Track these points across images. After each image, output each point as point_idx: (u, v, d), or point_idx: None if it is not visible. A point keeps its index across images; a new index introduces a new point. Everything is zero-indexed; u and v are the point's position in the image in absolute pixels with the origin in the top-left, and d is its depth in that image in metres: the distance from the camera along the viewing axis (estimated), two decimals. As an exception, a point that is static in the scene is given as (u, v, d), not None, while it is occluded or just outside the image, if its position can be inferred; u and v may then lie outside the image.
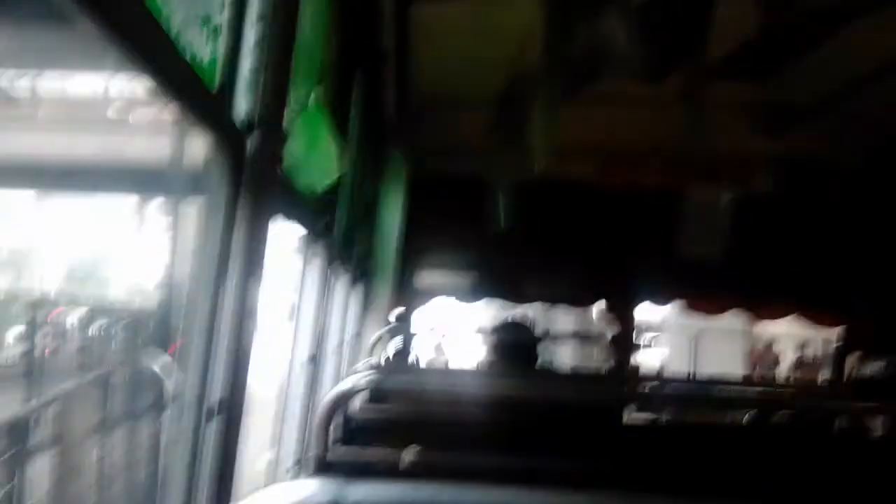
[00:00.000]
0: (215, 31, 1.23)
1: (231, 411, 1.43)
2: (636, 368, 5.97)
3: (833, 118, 4.73)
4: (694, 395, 2.80)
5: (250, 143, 1.33)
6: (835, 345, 5.82)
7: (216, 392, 1.38)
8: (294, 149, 1.92)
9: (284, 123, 1.59)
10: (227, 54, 1.28)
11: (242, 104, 1.33)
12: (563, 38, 2.80)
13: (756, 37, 3.79)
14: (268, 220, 1.49)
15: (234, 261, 1.37)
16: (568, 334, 12.66)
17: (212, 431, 1.38)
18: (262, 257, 1.50)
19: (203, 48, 1.17)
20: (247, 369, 1.53)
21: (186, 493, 1.36)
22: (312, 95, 2.02)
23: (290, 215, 2.08)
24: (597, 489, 0.76)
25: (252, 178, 1.34)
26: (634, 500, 0.76)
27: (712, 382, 3.74)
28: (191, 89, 1.11)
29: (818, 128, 4.84)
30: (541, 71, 3.02)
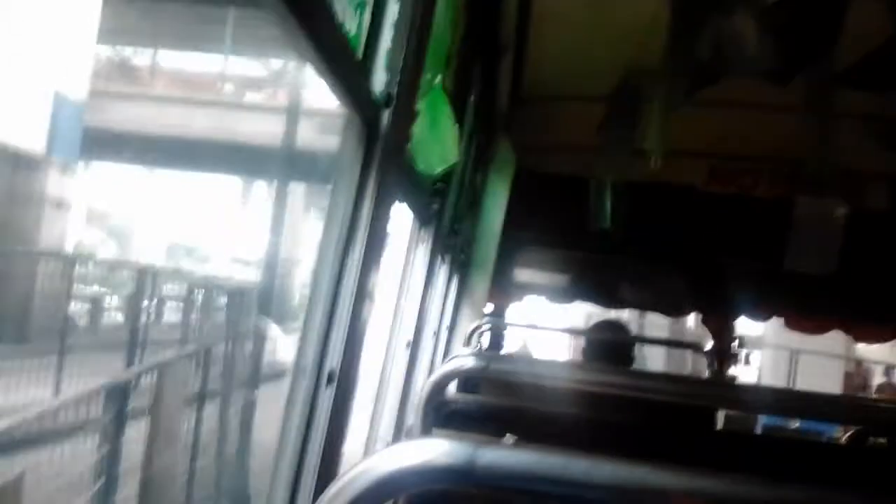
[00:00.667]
0: (360, 5, 1.26)
1: (345, 381, 1.46)
2: (732, 378, 5.85)
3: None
4: (790, 404, 2.72)
5: (385, 118, 1.36)
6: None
7: (333, 361, 1.42)
8: (417, 130, 1.95)
9: (415, 103, 1.61)
10: (370, 27, 1.31)
11: (381, 78, 1.36)
12: (687, 36, 2.76)
13: (884, 47, 3.66)
14: (393, 198, 1.52)
15: (359, 235, 1.41)
16: (662, 340, 12.49)
17: (326, 398, 1.42)
18: (386, 234, 1.53)
19: (349, 19, 1.20)
20: (363, 342, 1.57)
21: (299, 456, 1.40)
22: (438, 79, 2.04)
23: (407, 197, 2.11)
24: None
25: (384, 153, 1.37)
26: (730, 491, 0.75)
27: (810, 396, 3.64)
28: (338, 57, 1.14)
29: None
30: (662, 70, 2.98)
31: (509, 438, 2.17)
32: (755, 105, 4.44)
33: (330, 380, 1.39)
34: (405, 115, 1.46)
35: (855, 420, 4.01)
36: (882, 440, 4.87)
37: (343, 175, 1.36)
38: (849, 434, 5.19)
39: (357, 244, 1.38)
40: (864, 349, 14.44)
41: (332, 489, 0.73)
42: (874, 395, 14.76)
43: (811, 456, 2.95)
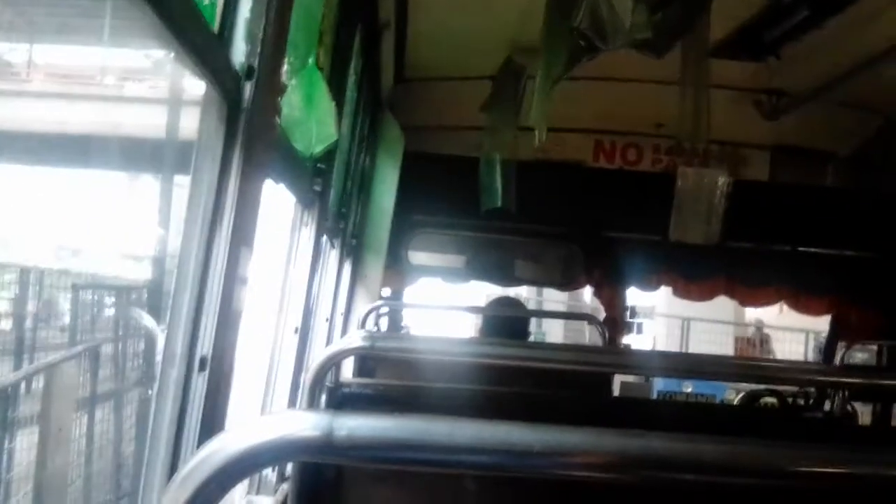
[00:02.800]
0: (214, -27, 1.21)
1: (219, 366, 1.41)
2: (625, 346, 5.97)
3: (828, 105, 4.73)
4: (682, 366, 2.78)
5: (248, 90, 1.30)
6: (825, 333, 5.83)
7: (206, 346, 1.37)
8: (291, 108, 1.90)
9: (282, 77, 1.56)
10: (227, -3, 1.26)
11: (241, 49, 1.31)
12: (565, 9, 2.78)
13: (757, 17, 3.77)
14: (263, 172, 1.47)
15: (226, 215, 1.35)
16: (555, 313, 12.72)
17: (200, 385, 1.36)
18: (257, 211, 1.48)
19: (203, -12, 1.15)
20: (237, 326, 1.52)
21: (173, 446, 1.34)
22: (311, 56, 1.99)
23: (283, 177, 2.06)
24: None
25: (248, 128, 1.31)
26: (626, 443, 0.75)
27: (700, 358, 3.74)
28: (191, 28, 1.08)
29: (813, 114, 4.84)
30: (542, 45, 2.99)
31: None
32: (636, 79, 4.53)
33: (203, 366, 1.34)
34: (270, 88, 1.40)
35: (745, 378, 4.14)
36: (773, 399, 5.07)
37: (205, 153, 1.30)
38: (740, 395, 5.38)
39: (224, 225, 1.33)
40: (754, 314, 14.99)
41: (183, 470, 0.69)
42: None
43: (705, 417, 3.03)
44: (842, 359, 4.92)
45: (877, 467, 0.78)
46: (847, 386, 2.81)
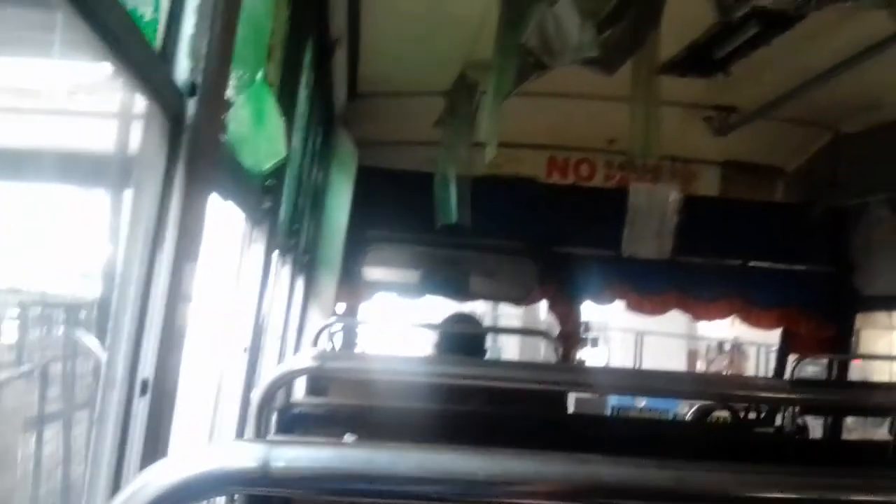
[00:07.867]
0: (156, -13, 1.18)
1: (162, 390, 1.38)
2: (580, 362, 5.99)
3: (776, 120, 4.81)
4: (635, 383, 2.79)
5: (191, 107, 1.28)
6: (776, 346, 5.90)
7: (147, 369, 1.33)
8: (238, 124, 1.87)
9: (228, 93, 1.53)
10: (169, 11, 1.23)
11: (184, 65, 1.28)
12: (515, 25, 2.78)
13: (706, 34, 3.82)
14: (208, 189, 1.44)
15: (168, 234, 1.32)
16: (511, 329, 12.74)
17: (142, 409, 1.33)
18: (201, 229, 1.45)
19: (144, 3, 1.12)
20: (181, 347, 1.48)
21: (113, 476, 1.30)
22: (260, 71, 1.96)
23: (231, 194, 2.02)
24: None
25: (192, 146, 1.29)
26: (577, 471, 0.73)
27: (654, 374, 3.76)
28: (130, 43, 1.06)
29: (762, 129, 4.91)
30: (493, 61, 3.00)
31: (349, 437, 2.12)
32: (588, 96, 4.57)
33: (144, 389, 1.30)
34: (214, 105, 1.38)
35: (697, 395, 4.18)
36: (725, 413, 5.12)
37: (147, 169, 1.27)
38: (693, 409, 5.43)
39: (167, 244, 1.29)
40: (705, 327, 15.16)
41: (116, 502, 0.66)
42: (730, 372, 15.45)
43: (658, 433, 3.04)
44: (792, 373, 4.98)
45: (821, 490, 0.78)
46: (798, 402, 2.84)
